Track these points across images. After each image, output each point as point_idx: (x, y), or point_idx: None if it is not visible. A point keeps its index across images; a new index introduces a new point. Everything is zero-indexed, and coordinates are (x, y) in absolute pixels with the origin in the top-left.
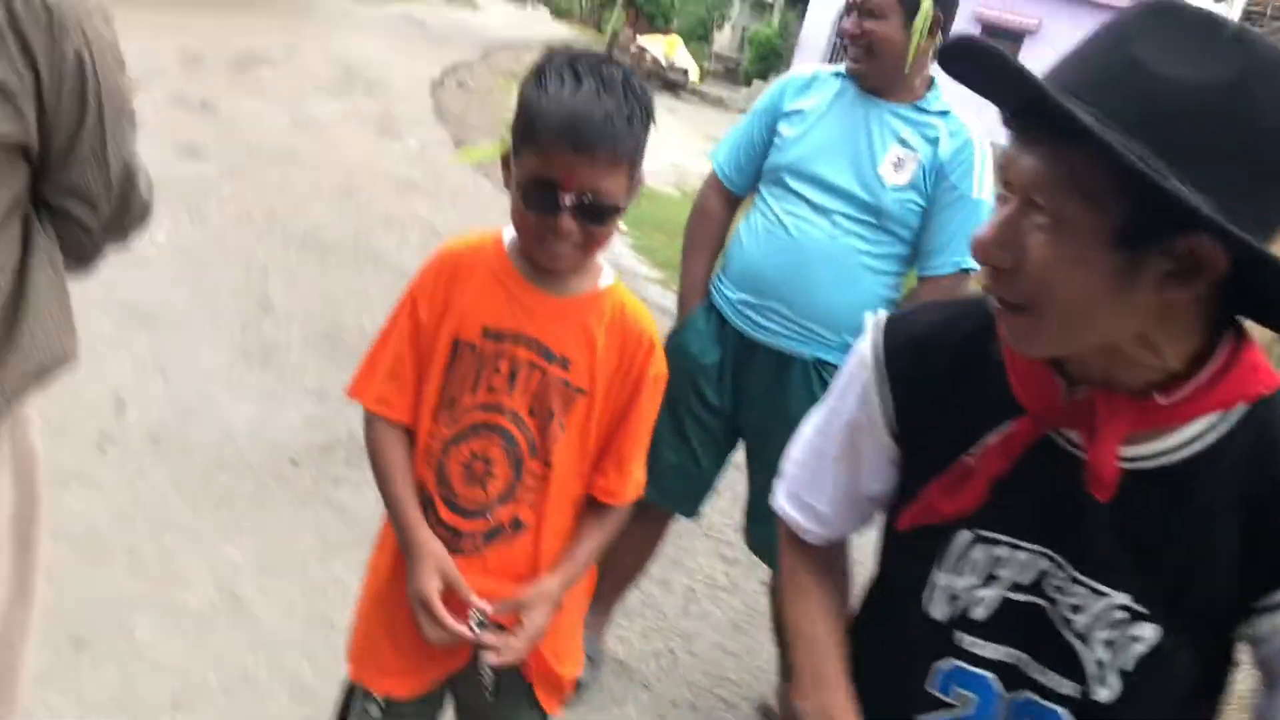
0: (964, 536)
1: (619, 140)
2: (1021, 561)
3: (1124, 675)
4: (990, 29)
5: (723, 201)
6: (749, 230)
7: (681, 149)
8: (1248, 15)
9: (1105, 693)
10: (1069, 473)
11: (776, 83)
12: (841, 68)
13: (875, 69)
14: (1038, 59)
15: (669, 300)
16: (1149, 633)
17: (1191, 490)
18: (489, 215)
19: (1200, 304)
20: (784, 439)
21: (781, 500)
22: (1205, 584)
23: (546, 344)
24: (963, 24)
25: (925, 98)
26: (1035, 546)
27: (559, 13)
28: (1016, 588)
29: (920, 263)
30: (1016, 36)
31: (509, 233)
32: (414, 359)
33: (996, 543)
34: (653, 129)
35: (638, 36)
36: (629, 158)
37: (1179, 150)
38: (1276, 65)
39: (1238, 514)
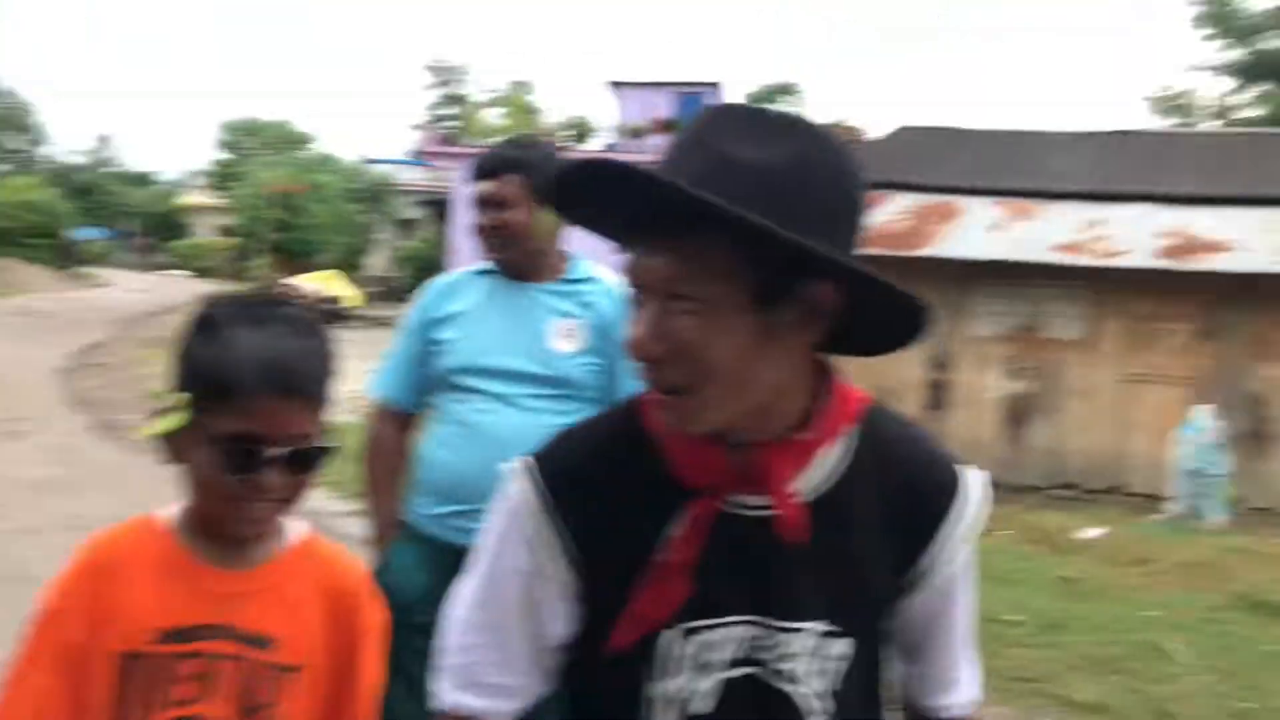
0: (668, 637)
1: (320, 379)
2: (729, 637)
3: (833, 695)
4: None
5: (395, 427)
6: (438, 443)
7: (359, 375)
8: None
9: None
10: (748, 534)
11: (421, 295)
12: (483, 265)
13: (516, 255)
14: None
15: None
16: (844, 648)
17: (849, 508)
18: (152, 500)
19: (812, 343)
20: None
21: (455, 697)
22: (874, 586)
23: (244, 628)
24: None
25: (569, 270)
26: (737, 617)
27: (195, 271)
28: (731, 665)
29: None
30: None
31: (168, 513)
32: (65, 692)
33: (701, 630)
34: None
35: (286, 278)
36: (325, 396)
37: (776, 215)
38: (825, 138)
39: (881, 515)
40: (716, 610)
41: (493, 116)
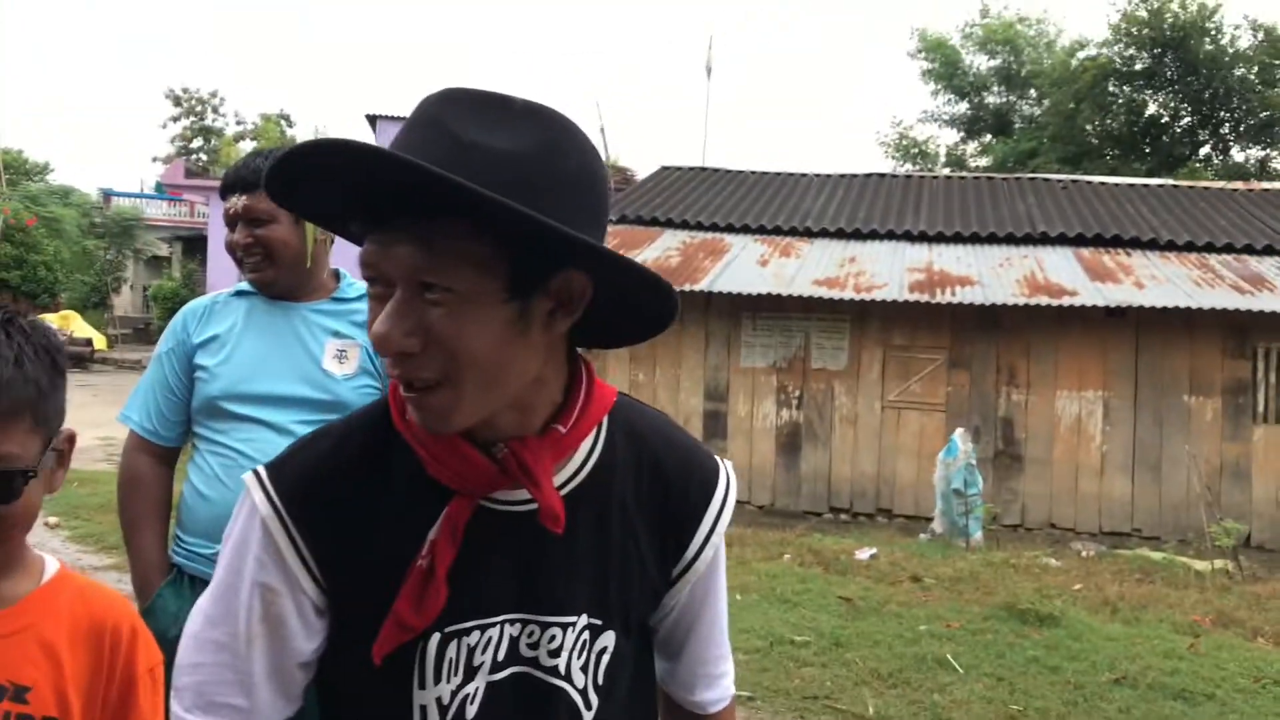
0: (433, 641)
1: (11, 387)
2: (492, 639)
3: (599, 689)
4: None
5: (153, 460)
6: (204, 476)
7: (106, 422)
8: None
9: (589, 714)
10: (509, 529)
11: (175, 319)
12: (241, 285)
13: (279, 274)
14: None
15: (128, 587)
16: (609, 640)
17: (608, 499)
18: None
19: (564, 338)
20: None
21: (186, 718)
22: (638, 579)
23: None
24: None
25: (340, 289)
26: (499, 617)
27: None
28: (496, 667)
29: None
30: None
31: None
32: None
33: (465, 632)
34: (68, 380)
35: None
36: (30, 408)
37: (524, 202)
38: (571, 125)
39: (641, 507)
40: (480, 610)
41: (246, 148)
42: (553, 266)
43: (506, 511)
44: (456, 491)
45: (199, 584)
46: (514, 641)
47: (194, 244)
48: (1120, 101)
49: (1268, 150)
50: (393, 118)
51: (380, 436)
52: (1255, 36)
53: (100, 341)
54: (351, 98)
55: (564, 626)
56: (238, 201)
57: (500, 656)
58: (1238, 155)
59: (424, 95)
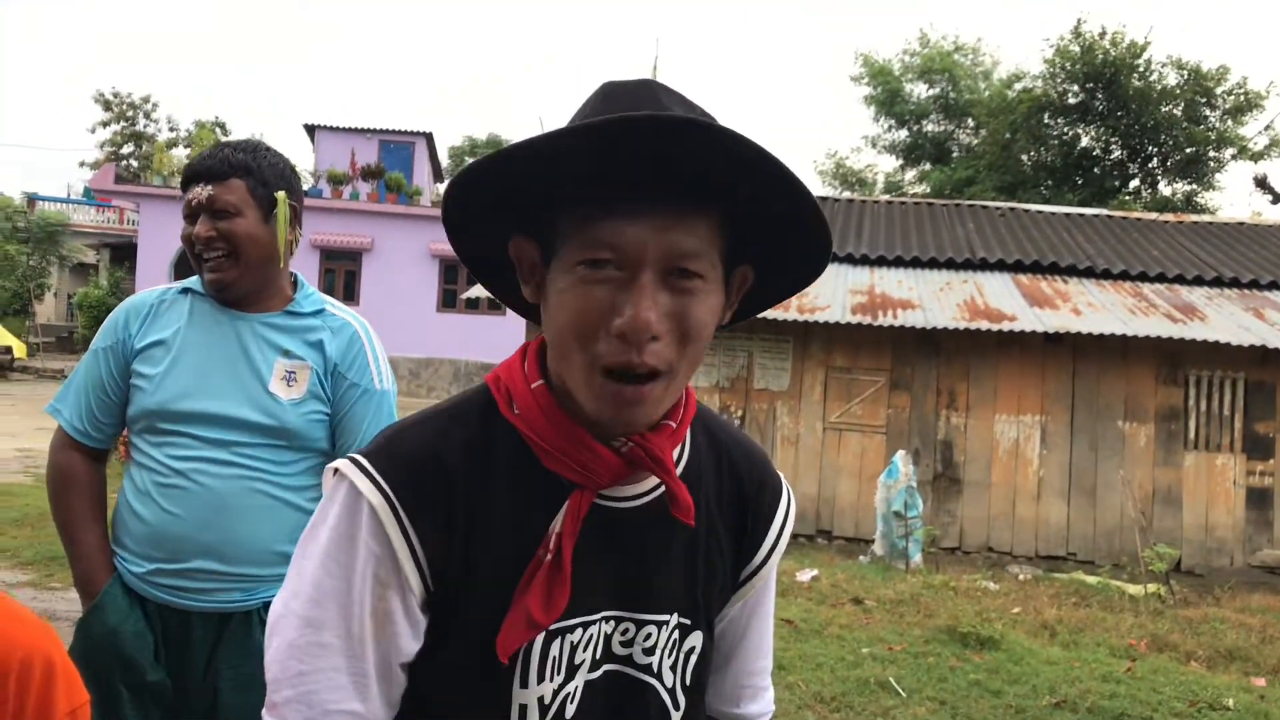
0: (539, 639)
1: None
2: (593, 636)
3: (686, 689)
4: (327, 252)
5: (84, 457)
6: (137, 493)
7: (24, 432)
8: None
9: (677, 715)
10: (610, 526)
11: (117, 313)
12: (190, 283)
13: (243, 274)
14: (377, 275)
15: (49, 602)
16: (698, 641)
17: (696, 498)
18: None
19: None
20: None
21: None
22: (718, 580)
23: None
24: (299, 249)
25: (296, 300)
26: (599, 614)
27: None
28: (593, 666)
29: None
30: (354, 256)
31: None
32: None
33: (570, 629)
34: None
35: None
36: None
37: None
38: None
39: (721, 510)
40: (585, 608)
41: (180, 155)
42: (737, 260)
43: (610, 508)
44: (571, 486)
45: (139, 600)
46: (608, 639)
47: (122, 251)
48: (1054, 134)
49: (1193, 185)
50: (332, 128)
51: (482, 427)
52: (1181, 75)
53: (20, 350)
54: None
55: (659, 625)
56: (202, 191)
57: (598, 654)
58: (1165, 189)
59: (613, 82)
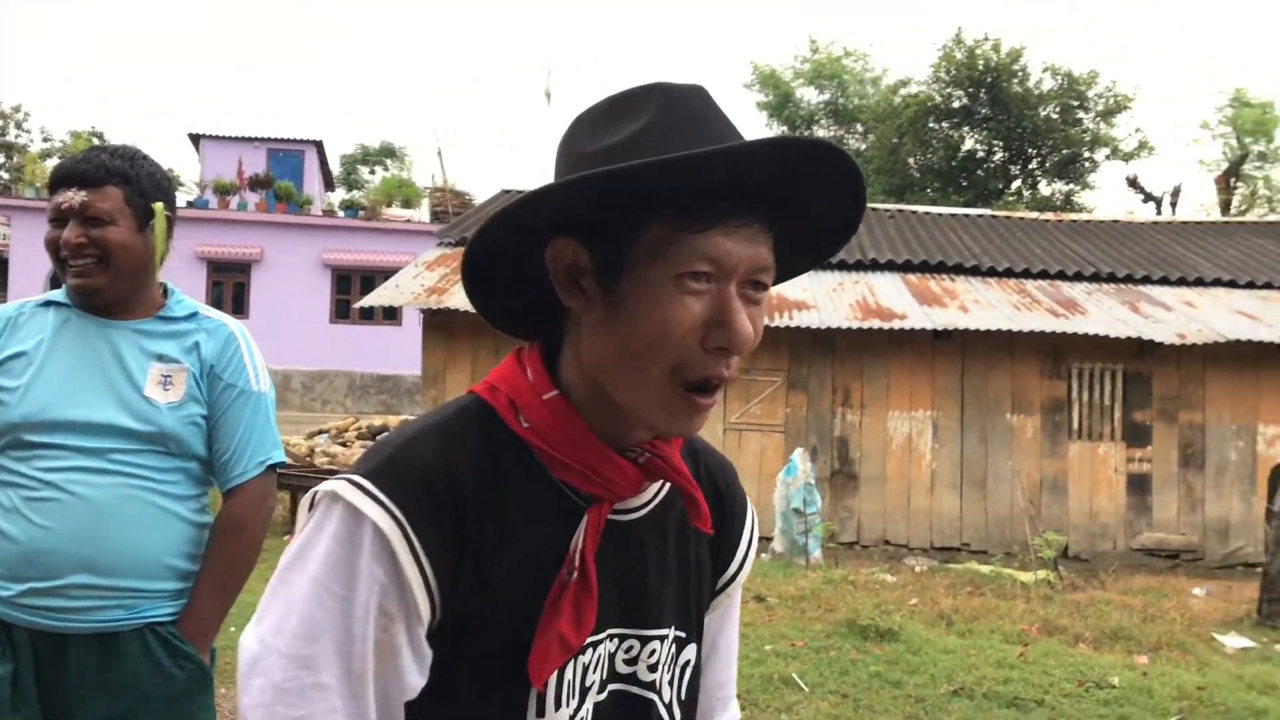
0: None
1: None
2: (600, 656)
3: (681, 703)
4: (215, 263)
5: None
6: (4, 513)
7: None
8: (435, 215)
9: None
10: (614, 540)
11: None
12: (52, 295)
13: (111, 282)
14: (267, 286)
15: None
16: (692, 654)
17: (675, 504)
18: None
19: None
20: None
21: None
22: (706, 592)
23: None
24: (183, 262)
25: (167, 305)
26: (603, 633)
27: None
28: (600, 687)
29: (222, 475)
30: (243, 267)
31: None
32: None
33: (580, 650)
34: None
35: None
36: None
37: None
38: None
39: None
40: (596, 626)
41: (52, 166)
42: None
43: (616, 521)
44: (583, 499)
45: (1, 624)
46: (612, 658)
47: None
48: (940, 137)
49: (1071, 185)
50: (217, 137)
51: (486, 440)
52: (1056, 79)
53: None
54: (170, 116)
55: (660, 639)
56: (74, 196)
57: (604, 675)
58: (1045, 189)
59: (666, 84)
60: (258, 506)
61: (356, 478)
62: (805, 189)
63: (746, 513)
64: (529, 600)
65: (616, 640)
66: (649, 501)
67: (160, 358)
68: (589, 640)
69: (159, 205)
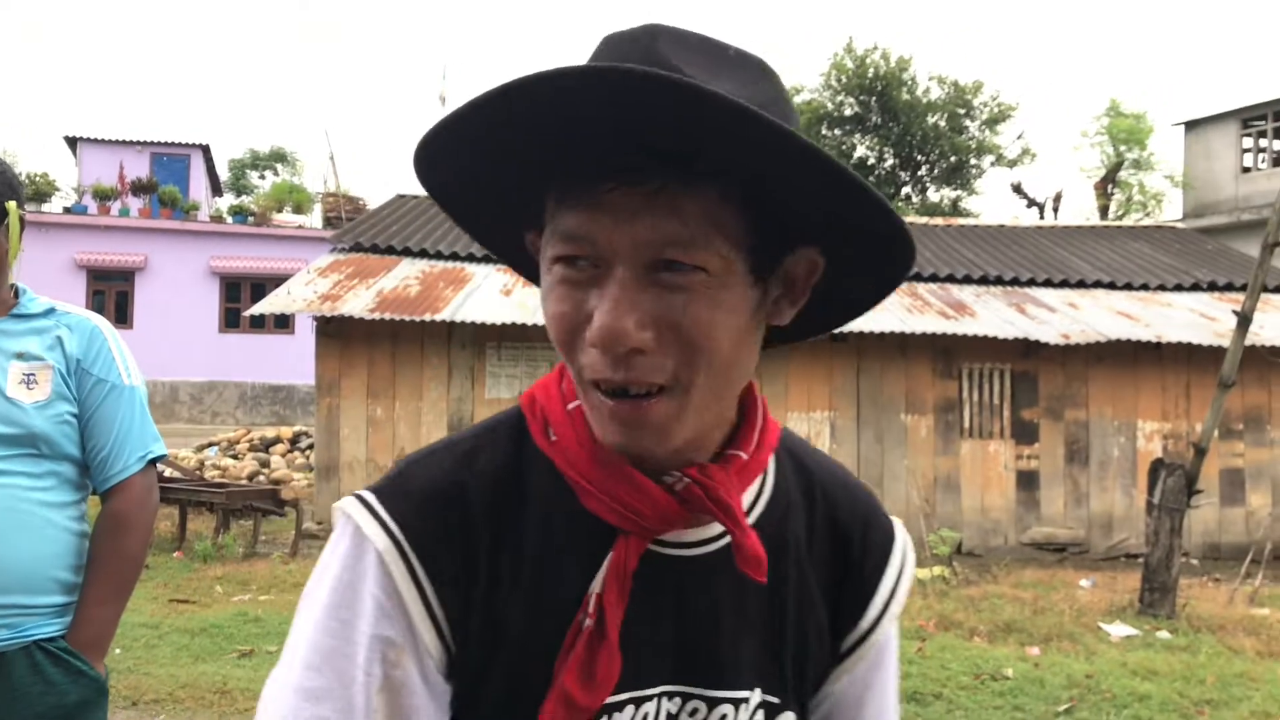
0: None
1: None
2: (648, 716)
3: None
4: (95, 272)
5: None
6: None
7: None
8: (327, 220)
9: None
10: (668, 579)
11: None
12: None
13: None
14: (152, 295)
15: None
16: None
17: (781, 546)
18: None
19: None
20: None
21: None
22: (815, 648)
23: None
24: (61, 271)
25: (20, 304)
26: (656, 689)
27: None
28: None
29: (99, 474)
30: (127, 275)
31: None
32: None
33: (618, 707)
34: None
35: None
36: None
37: None
38: (778, 76)
39: (814, 562)
40: (637, 680)
41: None
42: (789, 243)
43: (668, 555)
44: (617, 531)
45: None
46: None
47: None
48: (832, 144)
49: (958, 191)
50: (97, 140)
51: (514, 457)
52: (943, 89)
53: None
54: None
55: (736, 703)
56: None
57: None
58: (934, 195)
59: (613, 32)
60: (143, 502)
61: (366, 494)
62: (721, 146)
63: (889, 556)
64: (543, 647)
65: (678, 700)
66: (722, 534)
67: (20, 355)
68: (631, 696)
69: (11, 204)
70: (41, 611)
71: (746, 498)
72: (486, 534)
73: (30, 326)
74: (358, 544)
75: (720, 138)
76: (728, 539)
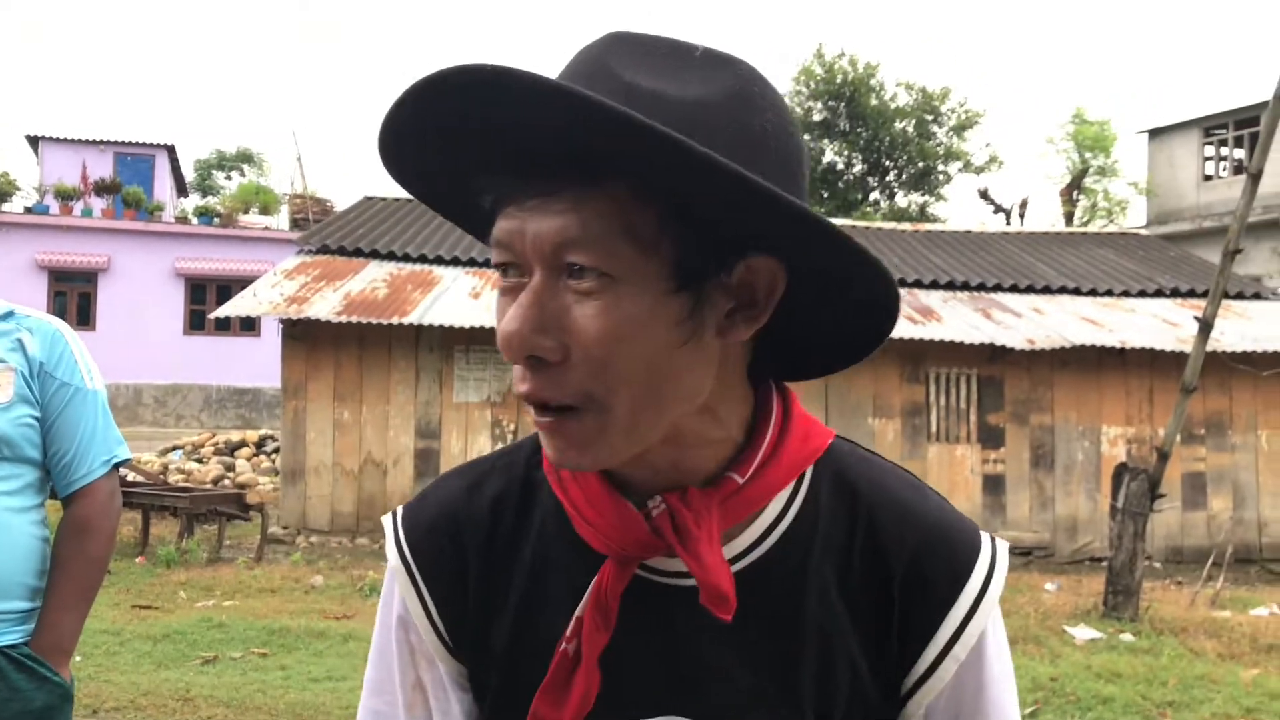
0: None
1: None
2: None
3: None
4: (57, 273)
5: None
6: None
7: None
8: (294, 222)
9: None
10: (674, 610)
11: None
12: None
13: None
14: (114, 297)
15: None
16: None
17: (800, 576)
18: None
19: (745, 353)
20: None
21: None
22: (844, 689)
23: None
24: (22, 271)
25: None
26: (658, 718)
27: None
28: None
29: (62, 479)
30: (89, 277)
31: None
32: None
33: None
34: None
35: None
36: None
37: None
38: (757, 75)
39: (851, 593)
40: (625, 708)
41: None
42: (733, 251)
43: (660, 584)
44: (610, 555)
45: None
46: None
47: None
48: None
49: (926, 196)
50: (59, 139)
51: (520, 483)
52: (911, 95)
53: None
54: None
55: None
56: None
57: None
58: (901, 201)
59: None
60: (107, 506)
61: (397, 511)
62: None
63: (961, 587)
64: (530, 669)
65: None
66: (738, 558)
67: None
68: None
69: None
70: (6, 618)
71: (764, 520)
72: (478, 556)
73: None
74: (389, 560)
75: (601, 139)
76: (742, 565)
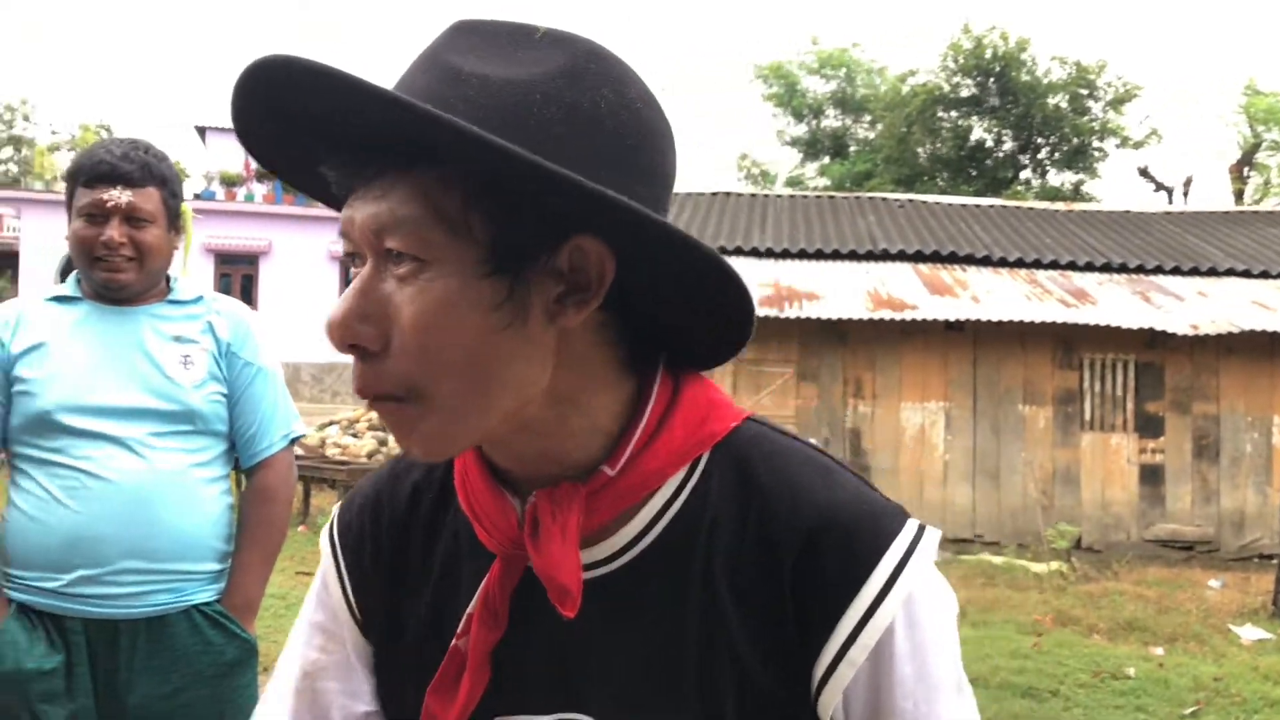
0: None
1: None
2: None
3: None
4: (223, 256)
5: None
6: (38, 501)
7: None
8: None
9: None
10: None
11: None
12: (59, 290)
13: (138, 279)
14: (274, 279)
15: None
16: None
17: (685, 568)
18: None
19: (612, 340)
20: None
21: None
22: (730, 683)
23: None
24: (192, 255)
25: (174, 290)
26: (544, 716)
27: None
28: None
29: (246, 451)
30: (252, 259)
31: None
32: None
33: None
34: None
35: None
36: None
37: (520, 138)
38: (597, 51)
39: (741, 585)
40: (517, 704)
41: (63, 159)
42: (556, 233)
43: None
44: (497, 553)
45: (47, 618)
46: None
47: (2, 261)
48: (948, 126)
49: (1080, 175)
50: (224, 129)
51: (444, 473)
52: (1064, 68)
53: None
54: (178, 108)
55: None
56: (120, 195)
57: None
58: (1054, 179)
59: None
60: (286, 476)
61: (348, 495)
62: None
63: (865, 573)
64: (432, 666)
65: None
66: (619, 553)
67: (178, 338)
68: None
69: (187, 207)
70: (200, 577)
71: (648, 512)
72: (391, 545)
73: (185, 312)
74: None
75: (389, 127)
76: (627, 558)
